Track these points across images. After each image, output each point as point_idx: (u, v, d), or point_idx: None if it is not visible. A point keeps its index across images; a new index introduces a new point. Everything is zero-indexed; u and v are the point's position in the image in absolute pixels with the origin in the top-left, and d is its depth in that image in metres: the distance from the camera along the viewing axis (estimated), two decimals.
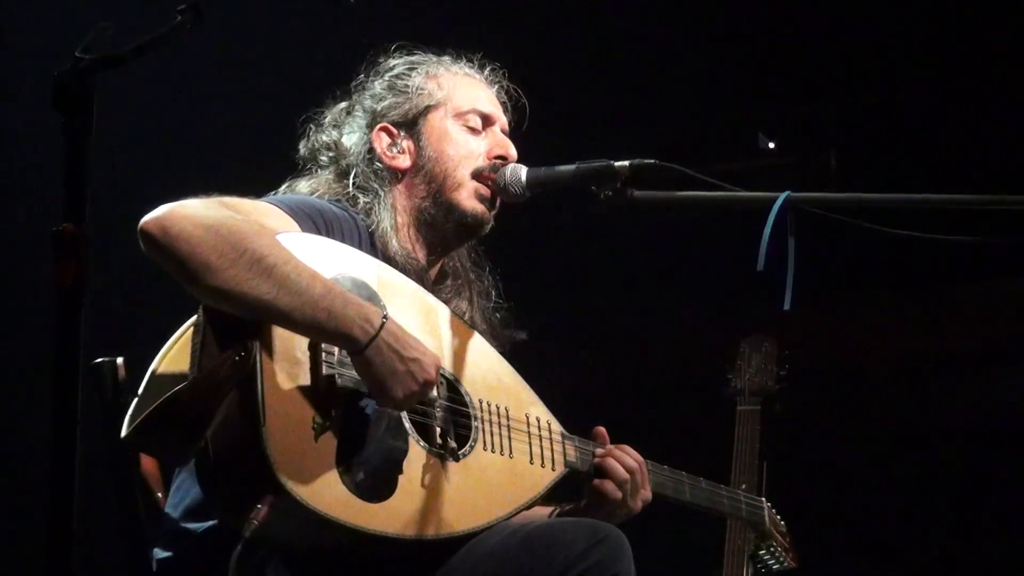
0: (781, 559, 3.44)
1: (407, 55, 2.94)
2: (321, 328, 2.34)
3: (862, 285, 5.42)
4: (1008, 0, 4.77)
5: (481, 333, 2.77)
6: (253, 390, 2.28)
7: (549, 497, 2.74)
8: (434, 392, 2.46)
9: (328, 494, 2.32)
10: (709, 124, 5.29)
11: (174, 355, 2.43)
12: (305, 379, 2.37)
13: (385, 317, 2.38)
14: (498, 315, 2.90)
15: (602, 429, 2.82)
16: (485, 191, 2.82)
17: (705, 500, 3.04)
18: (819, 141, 5.28)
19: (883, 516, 5.25)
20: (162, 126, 4.67)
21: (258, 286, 2.29)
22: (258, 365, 2.30)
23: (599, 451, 2.79)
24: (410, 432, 2.48)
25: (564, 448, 2.75)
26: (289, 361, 2.36)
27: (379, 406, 2.41)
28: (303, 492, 2.28)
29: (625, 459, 2.77)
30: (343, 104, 2.93)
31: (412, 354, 2.39)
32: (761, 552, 3.41)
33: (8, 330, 4.65)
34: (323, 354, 2.39)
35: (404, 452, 2.46)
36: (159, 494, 2.56)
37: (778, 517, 3.39)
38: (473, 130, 2.86)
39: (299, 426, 2.33)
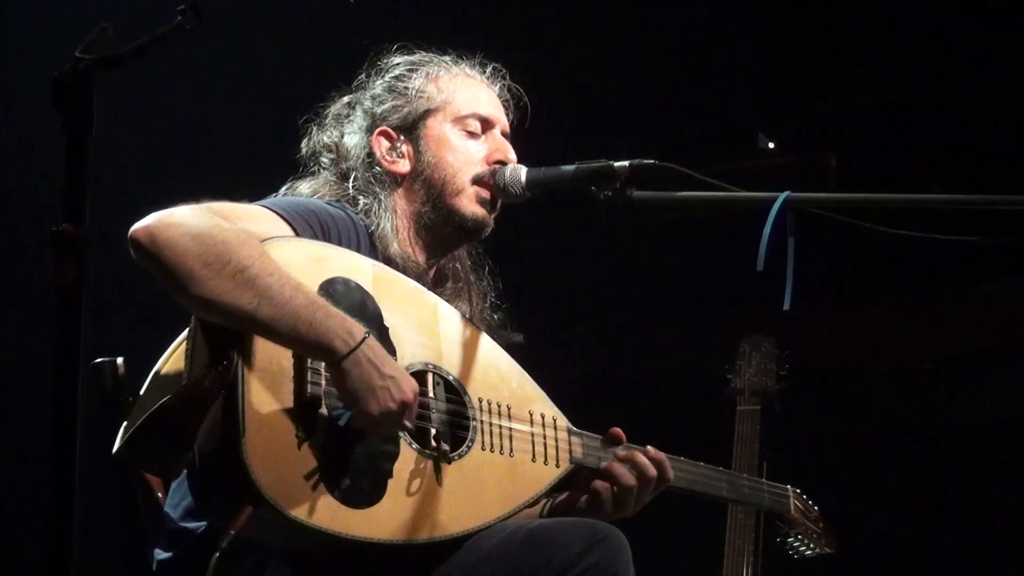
0: (812, 545, 3.39)
1: (408, 55, 2.93)
2: (302, 339, 2.33)
3: (862, 285, 5.42)
4: (1008, 0, 4.77)
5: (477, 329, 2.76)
6: (234, 400, 2.29)
7: (557, 491, 2.74)
8: (409, 424, 2.42)
9: (310, 502, 2.31)
10: (709, 124, 5.29)
11: (176, 357, 2.44)
12: (289, 388, 2.36)
13: (368, 334, 2.37)
14: (496, 316, 2.90)
15: (619, 432, 2.80)
16: (485, 194, 2.82)
17: (725, 491, 3.00)
18: (819, 141, 5.29)
19: (883, 516, 5.25)
20: (162, 126, 4.67)
21: (240, 296, 2.29)
22: (240, 375, 2.30)
23: (620, 452, 2.76)
24: (402, 435, 2.47)
25: (570, 445, 2.74)
26: (273, 370, 2.35)
27: (354, 423, 2.39)
28: (283, 500, 2.28)
29: (646, 473, 2.76)
30: (345, 99, 2.92)
31: (391, 372, 2.38)
32: (790, 539, 3.37)
33: (8, 330, 4.64)
34: (309, 362, 2.38)
35: (394, 456, 2.45)
36: (159, 494, 2.56)
37: (810, 503, 3.35)
38: (472, 134, 2.85)
39: (281, 435, 2.33)
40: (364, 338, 2.36)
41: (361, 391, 2.35)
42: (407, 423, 2.42)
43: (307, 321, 2.32)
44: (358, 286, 2.50)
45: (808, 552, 3.42)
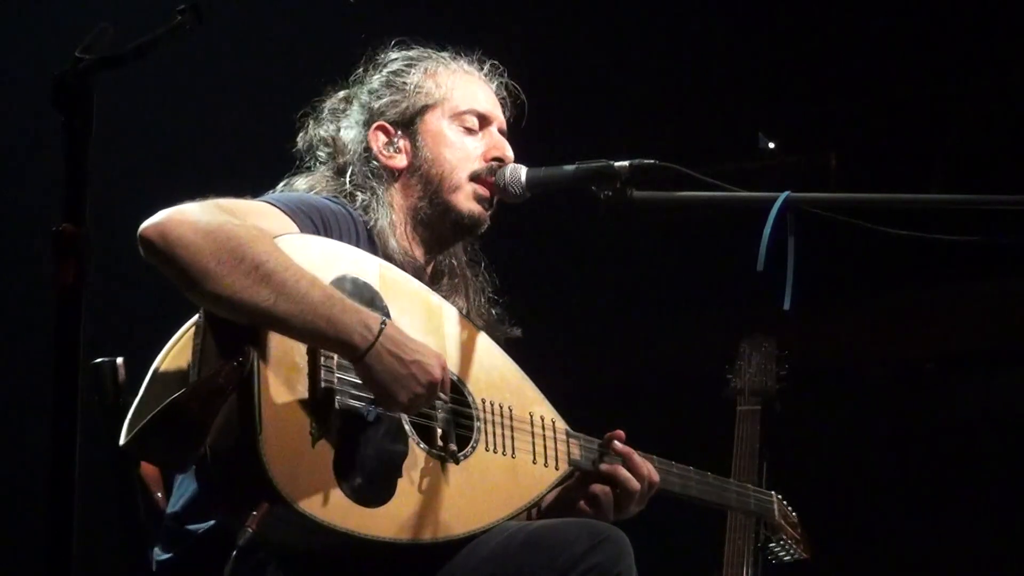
0: (792, 551, 3.43)
1: (406, 50, 2.92)
2: (320, 335, 2.33)
3: (862, 285, 5.42)
4: (1008, 0, 4.77)
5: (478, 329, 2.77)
6: (250, 397, 2.28)
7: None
8: (443, 396, 2.46)
9: (324, 499, 2.31)
10: (709, 124, 5.29)
11: (175, 354, 2.42)
12: (303, 385, 2.36)
13: (384, 323, 2.37)
14: (494, 311, 2.90)
15: (619, 433, 2.80)
16: (483, 192, 2.82)
17: (712, 495, 3.03)
18: (819, 141, 5.29)
19: (883, 516, 5.25)
20: (162, 126, 4.67)
21: (257, 293, 2.29)
22: (255, 371, 2.30)
23: (618, 446, 2.76)
24: (410, 434, 2.48)
25: (568, 447, 2.74)
26: (287, 367, 2.35)
27: (387, 411, 2.40)
28: (298, 498, 2.28)
29: (640, 470, 2.77)
30: (341, 94, 2.91)
31: (413, 356, 2.38)
32: (771, 545, 3.41)
33: (8, 330, 4.64)
34: (322, 358, 2.38)
35: (403, 455, 2.45)
36: (159, 494, 2.56)
37: (789, 509, 3.38)
38: (470, 131, 2.85)
39: (296, 432, 2.33)
40: (382, 328, 2.36)
41: (387, 384, 2.36)
42: (441, 395, 2.45)
43: (325, 316, 2.32)
44: (367, 284, 2.51)
45: (787, 558, 3.47)
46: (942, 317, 5.44)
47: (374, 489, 2.39)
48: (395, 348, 2.37)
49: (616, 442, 2.77)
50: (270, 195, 2.68)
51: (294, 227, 2.53)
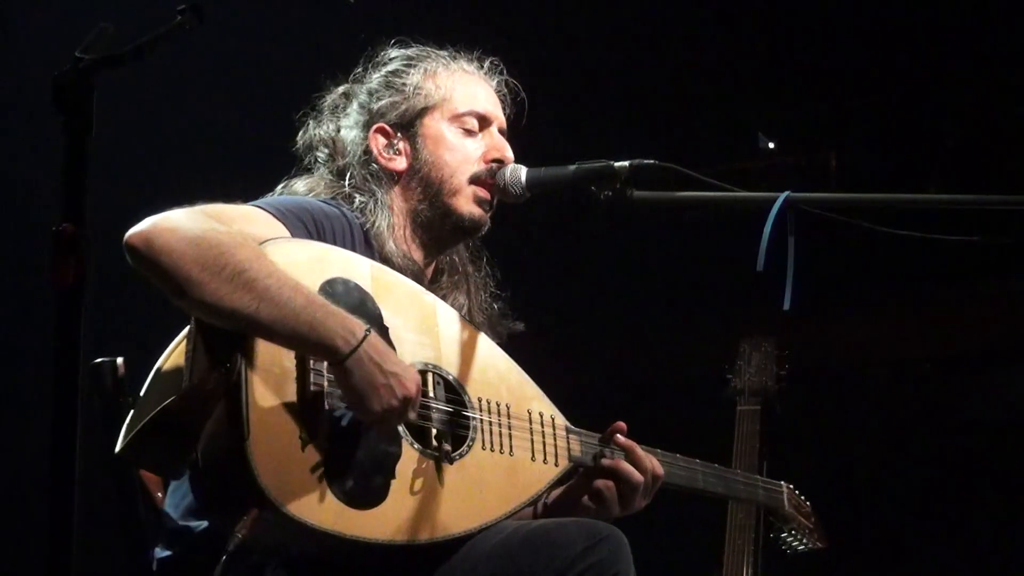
0: (806, 541, 3.40)
1: (405, 49, 2.92)
2: (303, 339, 2.33)
3: (862, 285, 5.42)
4: (1008, 0, 4.77)
5: (479, 326, 2.76)
6: (238, 403, 2.29)
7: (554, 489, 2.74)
8: (412, 415, 2.43)
9: (314, 503, 2.31)
10: (709, 124, 5.29)
11: (177, 355, 2.43)
12: (292, 389, 2.36)
13: (368, 330, 2.37)
14: (496, 307, 2.89)
15: (621, 425, 2.80)
16: (483, 194, 2.81)
17: (719, 487, 3.02)
18: (819, 141, 5.29)
19: (883, 516, 5.25)
20: (162, 126, 4.67)
21: (240, 299, 2.29)
22: (243, 377, 2.30)
23: (620, 439, 2.76)
24: (404, 435, 2.47)
25: (568, 443, 2.74)
26: (276, 371, 2.35)
27: (359, 419, 2.39)
28: (288, 503, 2.28)
29: (643, 463, 2.77)
30: (340, 89, 2.91)
31: (393, 368, 2.37)
32: (783, 535, 3.38)
33: (8, 330, 4.64)
34: (311, 362, 2.38)
35: (396, 456, 2.45)
36: (159, 494, 2.57)
37: (803, 498, 3.35)
38: (470, 132, 2.84)
39: (285, 437, 2.33)
40: (365, 336, 2.35)
41: (364, 390, 2.34)
42: (411, 415, 2.42)
43: (307, 321, 2.32)
44: (357, 286, 2.50)
45: (801, 547, 3.43)
46: (942, 317, 5.44)
47: (366, 491, 2.38)
48: (377, 357, 2.36)
49: (618, 435, 2.77)
50: (263, 199, 2.68)
51: (284, 231, 2.52)
